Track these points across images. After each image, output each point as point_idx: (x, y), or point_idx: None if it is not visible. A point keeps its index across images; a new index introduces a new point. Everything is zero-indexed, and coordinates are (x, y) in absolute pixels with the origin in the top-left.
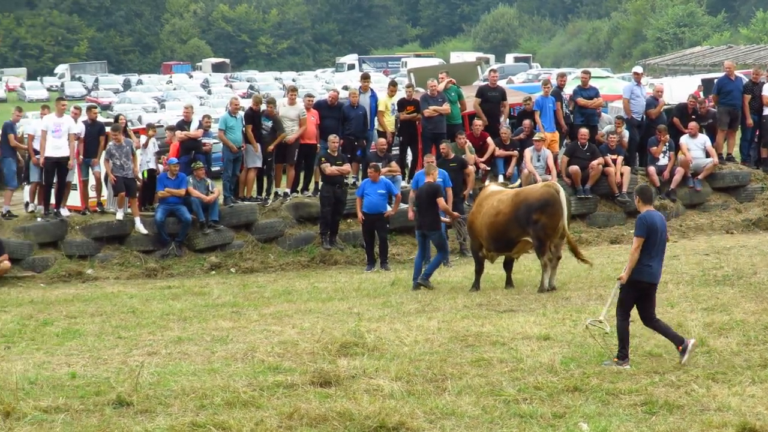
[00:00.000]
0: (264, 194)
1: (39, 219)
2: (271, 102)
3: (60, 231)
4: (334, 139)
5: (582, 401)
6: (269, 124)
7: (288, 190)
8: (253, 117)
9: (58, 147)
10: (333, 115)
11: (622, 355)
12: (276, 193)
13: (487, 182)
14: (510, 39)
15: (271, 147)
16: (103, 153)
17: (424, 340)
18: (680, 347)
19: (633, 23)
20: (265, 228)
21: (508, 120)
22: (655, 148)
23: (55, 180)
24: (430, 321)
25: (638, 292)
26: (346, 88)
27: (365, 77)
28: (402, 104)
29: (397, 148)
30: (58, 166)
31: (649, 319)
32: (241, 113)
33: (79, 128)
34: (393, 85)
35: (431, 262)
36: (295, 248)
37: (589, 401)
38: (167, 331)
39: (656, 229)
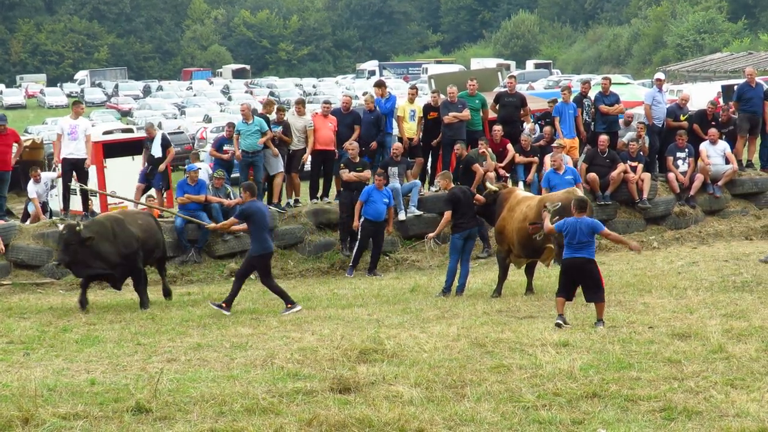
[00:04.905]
0: (287, 201)
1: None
2: (281, 109)
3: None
4: (351, 146)
5: (601, 407)
6: (278, 130)
7: (298, 198)
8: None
9: (74, 149)
10: (346, 121)
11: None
12: (288, 203)
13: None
14: (530, 45)
15: (305, 156)
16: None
17: (444, 346)
18: (289, 305)
19: (653, 30)
20: (285, 234)
21: (537, 122)
22: (672, 162)
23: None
24: (450, 327)
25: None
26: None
27: (378, 84)
28: (426, 110)
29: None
30: (76, 167)
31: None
32: (257, 118)
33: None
34: (413, 88)
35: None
36: (315, 255)
37: (608, 407)
38: (186, 338)
39: (261, 214)
